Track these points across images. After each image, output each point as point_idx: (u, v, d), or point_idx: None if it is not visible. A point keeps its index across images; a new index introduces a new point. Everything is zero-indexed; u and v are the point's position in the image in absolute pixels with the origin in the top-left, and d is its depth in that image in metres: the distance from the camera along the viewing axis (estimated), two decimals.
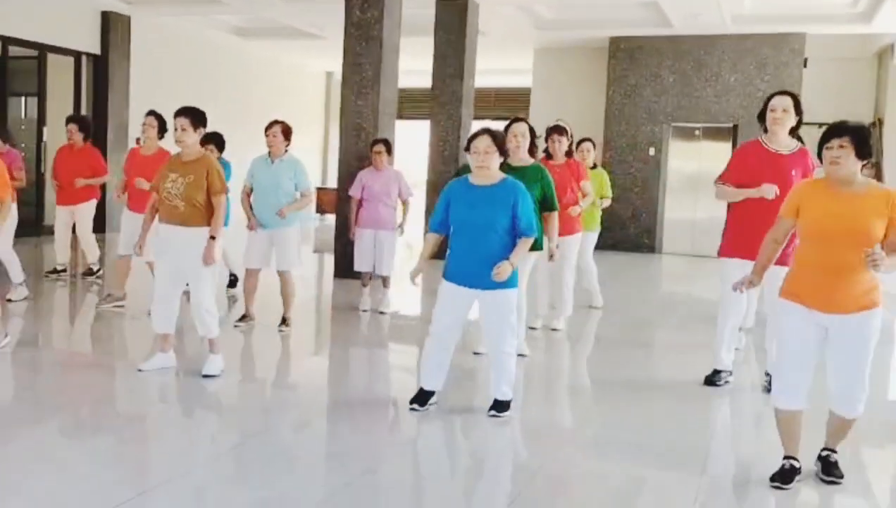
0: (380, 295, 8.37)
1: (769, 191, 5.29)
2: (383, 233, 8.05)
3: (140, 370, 5.61)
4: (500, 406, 5.02)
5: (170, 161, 5.74)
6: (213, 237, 5.51)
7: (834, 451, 4.24)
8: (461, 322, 5.01)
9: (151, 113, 7.64)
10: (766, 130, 5.53)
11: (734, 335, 5.94)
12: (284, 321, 7.26)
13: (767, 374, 5.70)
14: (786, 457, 4.16)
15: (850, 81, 15.54)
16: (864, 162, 3.92)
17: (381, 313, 8.25)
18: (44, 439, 4.54)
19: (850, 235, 3.85)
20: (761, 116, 5.53)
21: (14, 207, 7.17)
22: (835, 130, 3.95)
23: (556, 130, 7.29)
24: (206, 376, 5.57)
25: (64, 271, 9.32)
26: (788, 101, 5.41)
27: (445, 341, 5.00)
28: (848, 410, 4.09)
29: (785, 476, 4.10)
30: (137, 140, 8.28)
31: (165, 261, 5.60)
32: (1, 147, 8.32)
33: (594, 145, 8.67)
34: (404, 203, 8.21)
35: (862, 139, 3.88)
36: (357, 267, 8.27)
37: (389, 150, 8.19)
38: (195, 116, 5.59)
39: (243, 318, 7.29)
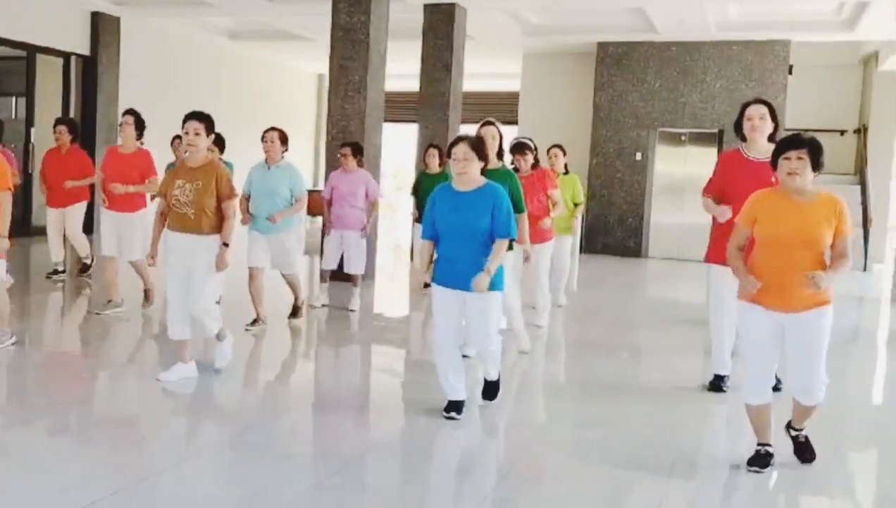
0: (349, 294, 8.54)
1: (722, 214, 5.46)
2: (348, 233, 8.25)
3: (158, 380, 5.51)
4: (490, 389, 5.28)
5: (176, 167, 5.62)
6: (226, 244, 5.50)
7: (800, 429, 4.54)
8: (458, 324, 5.05)
9: (129, 112, 7.65)
10: (743, 139, 5.63)
11: (731, 338, 5.91)
12: (295, 313, 7.57)
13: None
14: (760, 444, 4.44)
15: (834, 88, 15.71)
16: (817, 172, 4.15)
17: (350, 310, 8.41)
18: (22, 437, 4.59)
19: (804, 243, 4.13)
20: (737, 126, 5.65)
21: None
22: (793, 142, 4.16)
23: (519, 150, 7.34)
24: (217, 369, 5.72)
25: (63, 271, 9.38)
26: (764, 109, 5.54)
27: (449, 346, 5.06)
28: (809, 399, 4.37)
29: (762, 461, 4.38)
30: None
31: (175, 268, 5.54)
32: None
33: (563, 151, 8.75)
34: (373, 204, 8.33)
35: (818, 152, 4.12)
36: (322, 265, 8.60)
37: (357, 153, 8.35)
38: (208, 121, 5.51)
39: (254, 322, 7.30)
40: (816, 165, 4.11)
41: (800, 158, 4.09)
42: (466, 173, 4.88)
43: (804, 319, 4.19)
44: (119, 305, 7.69)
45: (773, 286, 4.18)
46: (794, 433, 4.56)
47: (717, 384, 5.95)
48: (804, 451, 4.53)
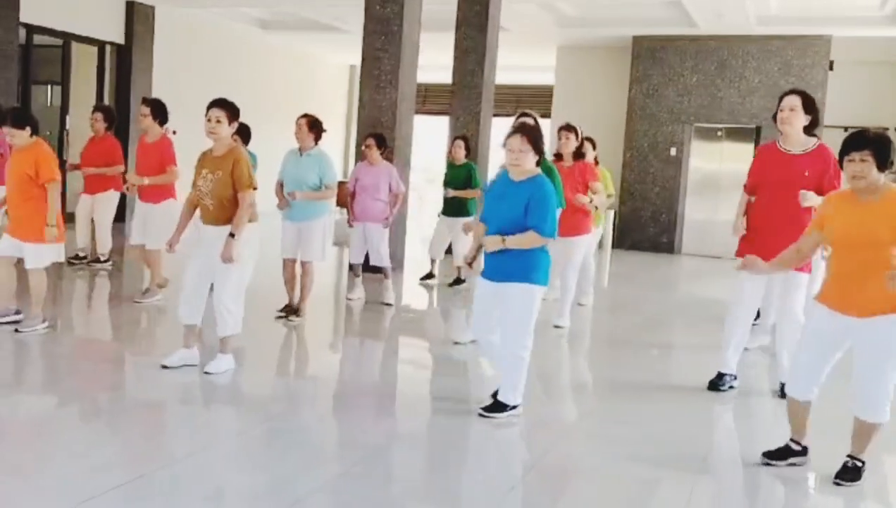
0: (381, 287, 8.41)
1: (735, 229, 5.70)
2: (371, 226, 8.14)
3: (164, 367, 5.44)
4: (497, 407, 4.89)
5: (202, 157, 5.53)
6: (232, 235, 5.31)
7: (856, 459, 4.19)
8: (493, 318, 4.90)
9: (144, 101, 7.61)
10: (781, 132, 5.47)
11: (744, 337, 5.77)
12: (297, 312, 7.28)
13: (782, 384, 5.67)
14: (792, 440, 4.38)
15: (876, 85, 15.35)
16: (885, 171, 3.97)
17: (387, 304, 8.28)
18: (56, 420, 4.63)
19: (870, 243, 3.93)
20: (775, 118, 5.47)
21: None
22: (855, 143, 3.99)
23: (566, 127, 7.30)
24: (206, 372, 5.41)
25: (85, 257, 9.35)
26: (796, 99, 5.30)
27: (484, 342, 5.01)
28: (869, 414, 4.11)
29: (778, 453, 4.35)
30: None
31: (197, 256, 5.50)
32: None
33: (594, 144, 8.63)
34: (396, 197, 8.26)
35: (884, 150, 3.93)
36: (349, 259, 8.45)
37: (381, 144, 8.21)
38: (231, 109, 5.39)
39: (285, 308, 7.34)
40: (884, 163, 3.93)
41: (863, 161, 3.93)
42: (519, 166, 4.79)
43: (874, 325, 3.99)
44: (156, 292, 7.64)
45: (843, 289, 4.06)
46: (845, 459, 4.22)
47: (716, 384, 5.72)
48: (844, 473, 4.17)
